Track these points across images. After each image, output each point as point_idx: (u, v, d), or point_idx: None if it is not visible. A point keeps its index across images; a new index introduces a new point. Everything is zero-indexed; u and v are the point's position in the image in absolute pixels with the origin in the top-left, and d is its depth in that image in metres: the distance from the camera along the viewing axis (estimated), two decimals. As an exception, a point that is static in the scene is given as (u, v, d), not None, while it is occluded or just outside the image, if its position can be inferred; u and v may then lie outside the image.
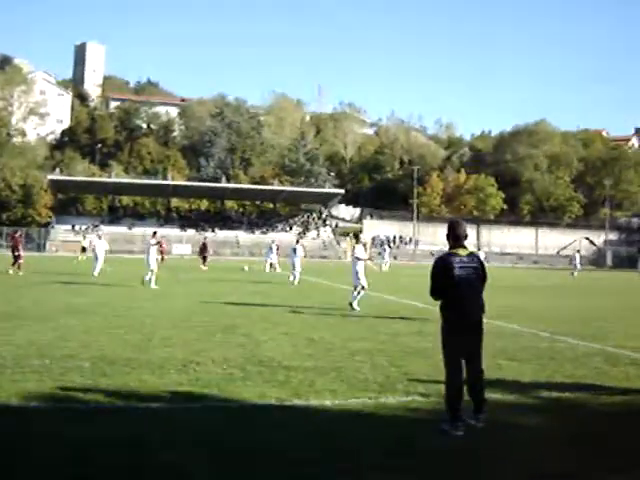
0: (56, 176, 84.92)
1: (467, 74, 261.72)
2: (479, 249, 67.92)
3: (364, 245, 20.28)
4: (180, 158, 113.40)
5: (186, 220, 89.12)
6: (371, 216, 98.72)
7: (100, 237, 33.30)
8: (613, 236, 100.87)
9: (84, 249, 56.61)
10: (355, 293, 18.68)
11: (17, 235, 33.34)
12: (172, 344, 11.63)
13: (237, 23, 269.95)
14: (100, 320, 14.73)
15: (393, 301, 18.94)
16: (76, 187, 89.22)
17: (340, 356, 10.91)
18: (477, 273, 7.05)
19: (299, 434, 6.64)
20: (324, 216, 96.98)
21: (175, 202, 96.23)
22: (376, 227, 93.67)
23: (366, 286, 18.68)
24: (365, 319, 16.59)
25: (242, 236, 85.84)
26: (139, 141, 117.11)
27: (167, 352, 10.80)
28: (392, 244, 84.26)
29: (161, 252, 25.66)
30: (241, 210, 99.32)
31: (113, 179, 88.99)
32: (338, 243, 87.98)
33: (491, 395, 7.41)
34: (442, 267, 7.05)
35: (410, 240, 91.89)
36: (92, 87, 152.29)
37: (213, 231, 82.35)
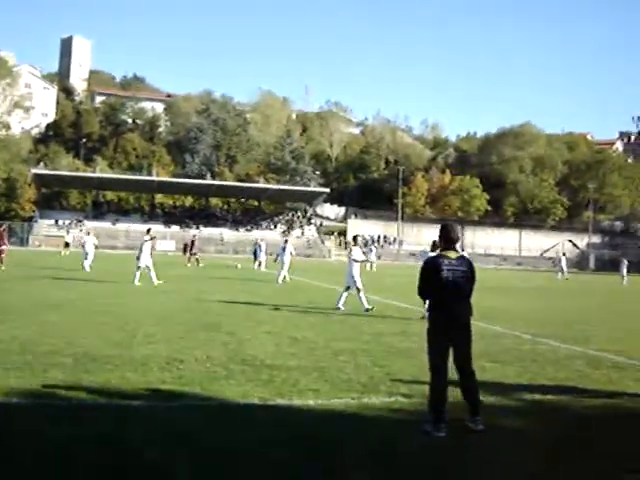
0: (40, 170, 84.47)
1: (453, 75, 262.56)
2: (462, 250, 68.11)
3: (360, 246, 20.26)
4: (165, 154, 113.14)
5: (170, 216, 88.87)
6: (356, 215, 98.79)
7: (89, 233, 33.45)
8: (596, 239, 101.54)
9: (67, 244, 56.44)
10: (345, 293, 18.65)
11: (1, 229, 33.17)
12: (155, 341, 11.59)
13: (224, 20, 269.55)
14: (83, 316, 14.65)
15: (377, 301, 18.95)
16: (60, 182, 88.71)
17: (323, 356, 10.91)
18: (466, 276, 7.04)
19: (282, 434, 6.63)
20: (309, 215, 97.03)
21: (159, 198, 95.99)
22: (361, 227, 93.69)
23: (361, 288, 18.66)
24: (349, 319, 16.58)
25: (226, 233, 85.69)
26: (124, 136, 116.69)
27: (150, 349, 10.76)
28: (377, 244, 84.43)
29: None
30: (226, 207, 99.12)
31: (97, 174, 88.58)
32: (323, 242, 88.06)
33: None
34: (430, 269, 7.06)
35: (394, 240, 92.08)
36: (78, 81, 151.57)
37: (198, 228, 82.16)
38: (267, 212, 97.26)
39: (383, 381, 9.07)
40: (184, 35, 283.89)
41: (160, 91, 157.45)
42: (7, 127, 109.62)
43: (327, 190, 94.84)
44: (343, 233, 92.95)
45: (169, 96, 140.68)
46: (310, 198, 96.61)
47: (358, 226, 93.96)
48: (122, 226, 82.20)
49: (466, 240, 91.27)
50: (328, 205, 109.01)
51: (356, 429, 6.95)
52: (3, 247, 31.33)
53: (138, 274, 24.64)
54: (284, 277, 29.27)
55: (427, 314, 7.64)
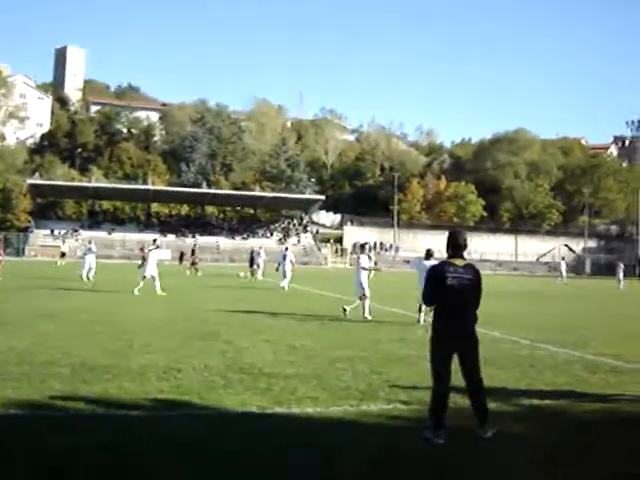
0: (35, 180, 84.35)
1: (448, 82, 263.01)
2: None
3: (368, 254, 20.25)
4: (161, 163, 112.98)
5: (166, 225, 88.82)
6: (351, 222, 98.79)
7: (90, 242, 33.63)
8: (592, 243, 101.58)
9: (63, 254, 56.33)
10: (358, 301, 18.61)
11: (-3, 240, 33.16)
12: (153, 351, 11.57)
13: (219, 29, 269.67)
14: (80, 326, 14.63)
15: (374, 308, 18.92)
16: (56, 192, 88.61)
17: (322, 363, 10.90)
18: (472, 284, 6.97)
19: (281, 442, 6.61)
20: (305, 222, 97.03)
21: (155, 207, 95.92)
22: (356, 233, 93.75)
23: (368, 295, 18.65)
24: (347, 326, 16.59)
25: (223, 242, 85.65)
26: (119, 146, 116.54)
27: (148, 359, 10.73)
28: (373, 251, 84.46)
29: (144, 259, 25.50)
30: (222, 216, 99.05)
31: (93, 184, 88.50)
32: (319, 249, 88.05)
33: (468, 401, 7.42)
34: (435, 275, 7.05)
35: (390, 247, 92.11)
36: (72, 91, 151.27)
37: (194, 236, 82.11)
38: (263, 220, 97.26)
39: (382, 388, 9.06)
40: (178, 44, 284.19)
41: (155, 100, 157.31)
42: (2, 137, 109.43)
43: (323, 197, 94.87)
44: (339, 240, 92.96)
45: (164, 105, 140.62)
46: (306, 206, 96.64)
47: (354, 233, 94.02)
48: (118, 235, 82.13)
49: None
50: (324, 212, 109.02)
51: (355, 436, 6.94)
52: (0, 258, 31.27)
53: (142, 284, 24.43)
54: (280, 284, 29.30)
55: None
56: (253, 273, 40.07)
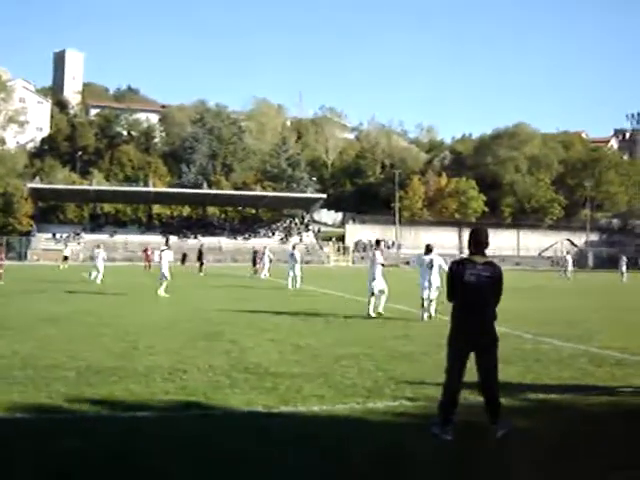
0: (36, 184, 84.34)
1: (447, 78, 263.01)
2: (461, 252, 68.17)
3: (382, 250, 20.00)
4: (161, 165, 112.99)
5: (168, 227, 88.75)
6: (353, 220, 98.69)
7: (99, 246, 33.83)
8: (594, 237, 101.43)
9: (66, 258, 56.36)
10: (374, 300, 18.53)
11: (-2, 244, 33.28)
12: (157, 352, 11.57)
13: (217, 29, 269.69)
14: (83, 329, 14.63)
15: (377, 305, 18.91)
16: (57, 195, 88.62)
17: (327, 362, 10.88)
18: (490, 282, 6.90)
19: (287, 441, 6.61)
20: (306, 221, 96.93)
21: (157, 209, 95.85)
22: (358, 231, 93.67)
23: (386, 291, 18.61)
24: (351, 324, 16.59)
25: (225, 242, 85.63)
26: (120, 148, 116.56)
27: (152, 360, 10.73)
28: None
29: (147, 260, 25.79)
30: (223, 216, 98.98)
31: (94, 187, 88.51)
32: (321, 248, 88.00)
33: (478, 397, 7.41)
34: (454, 272, 7.04)
35: (392, 244, 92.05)
36: (72, 94, 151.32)
37: (196, 237, 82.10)
38: (265, 220, 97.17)
39: (387, 385, 9.05)
40: (177, 46, 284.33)
41: (154, 102, 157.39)
42: (2, 142, 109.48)
43: (324, 196, 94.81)
44: (341, 239, 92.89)
45: (163, 107, 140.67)
46: (307, 204, 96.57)
47: (356, 231, 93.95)
48: (120, 238, 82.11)
49: (464, 242, 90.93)
50: (325, 211, 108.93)
51: (361, 434, 6.93)
52: (0, 262, 31.29)
53: (165, 284, 24.53)
54: (288, 284, 29.28)
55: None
56: (256, 272, 40.13)
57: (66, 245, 66.96)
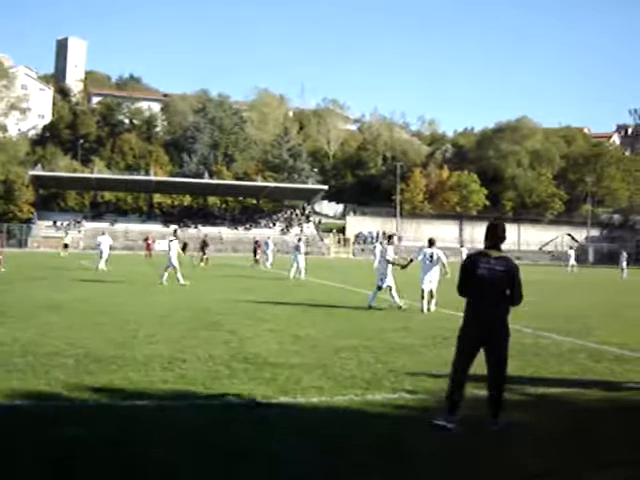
0: (38, 172, 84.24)
1: (450, 71, 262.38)
2: (462, 246, 68.15)
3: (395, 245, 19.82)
4: (163, 154, 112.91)
5: (169, 216, 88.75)
6: (354, 212, 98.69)
7: (104, 233, 34.12)
8: (595, 232, 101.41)
9: (66, 245, 56.40)
10: (393, 294, 18.48)
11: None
12: (157, 341, 11.57)
13: (219, 18, 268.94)
14: (83, 317, 14.63)
15: (378, 297, 18.90)
16: (58, 183, 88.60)
17: (326, 353, 10.89)
18: (504, 276, 6.87)
19: (285, 432, 6.62)
20: (307, 212, 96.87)
21: (158, 198, 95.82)
22: (359, 223, 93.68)
23: (393, 286, 18.56)
24: (350, 315, 16.60)
25: (225, 232, 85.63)
26: (121, 137, 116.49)
27: (152, 349, 10.74)
28: (375, 240, 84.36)
29: (148, 249, 25.84)
30: (224, 206, 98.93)
31: (95, 175, 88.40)
32: (321, 239, 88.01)
33: (477, 392, 7.42)
34: (468, 265, 7.04)
35: (393, 236, 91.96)
36: (74, 82, 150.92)
37: (196, 227, 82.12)
38: (265, 210, 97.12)
39: (386, 377, 9.05)
40: (180, 34, 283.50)
41: (156, 91, 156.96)
42: (4, 129, 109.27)
43: (325, 187, 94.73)
44: (342, 230, 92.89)
45: (166, 96, 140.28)
46: (308, 195, 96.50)
47: (357, 223, 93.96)
48: (121, 226, 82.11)
49: (465, 235, 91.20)
50: (326, 202, 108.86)
51: (360, 426, 6.94)
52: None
53: (180, 275, 24.67)
54: (290, 275, 29.30)
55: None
56: (257, 262, 40.15)
57: (66, 233, 67.02)
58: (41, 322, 13.51)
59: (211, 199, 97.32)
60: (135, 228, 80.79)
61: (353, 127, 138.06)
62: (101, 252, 32.95)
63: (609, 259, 79.18)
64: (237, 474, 5.51)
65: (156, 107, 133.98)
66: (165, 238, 74.54)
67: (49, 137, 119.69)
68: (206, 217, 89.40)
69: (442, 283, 18.14)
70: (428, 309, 17.64)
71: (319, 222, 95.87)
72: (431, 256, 17.86)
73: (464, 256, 53.02)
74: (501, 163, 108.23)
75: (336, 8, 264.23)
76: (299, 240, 31.56)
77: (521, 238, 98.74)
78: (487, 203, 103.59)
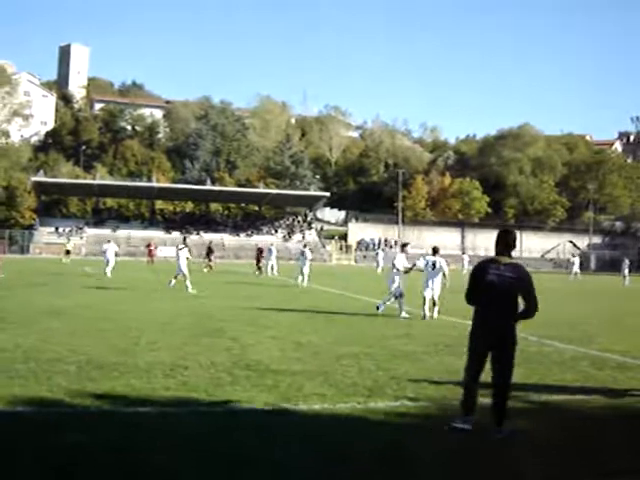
0: (40, 178, 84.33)
1: (452, 78, 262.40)
2: (464, 253, 68.16)
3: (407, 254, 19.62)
4: (165, 160, 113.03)
5: (171, 223, 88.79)
6: (356, 219, 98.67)
7: (109, 241, 34.36)
8: (597, 240, 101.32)
9: (68, 252, 56.38)
10: (399, 301, 18.46)
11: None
12: (159, 348, 11.57)
13: (222, 26, 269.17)
14: (85, 323, 14.63)
15: (375, 304, 18.90)
16: (60, 189, 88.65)
17: (328, 360, 10.87)
18: (513, 283, 6.85)
19: (287, 439, 6.61)
20: (309, 219, 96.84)
21: (160, 204, 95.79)
22: (361, 230, 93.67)
23: (393, 294, 18.53)
24: (352, 322, 16.59)
25: (227, 239, 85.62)
26: (124, 143, 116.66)
27: (154, 356, 10.73)
28: (384, 247, 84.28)
29: (150, 255, 26.00)
30: (226, 213, 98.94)
31: (97, 181, 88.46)
32: (323, 246, 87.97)
33: (481, 400, 7.40)
34: (477, 271, 7.09)
35: (395, 243, 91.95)
36: (76, 89, 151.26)
37: (198, 234, 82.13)
38: (267, 217, 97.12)
39: (388, 385, 9.04)
40: (182, 41, 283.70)
41: (159, 97, 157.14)
42: (6, 135, 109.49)
43: (327, 194, 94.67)
44: (344, 237, 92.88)
45: (168, 102, 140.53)
46: (310, 202, 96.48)
47: (359, 230, 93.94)
48: (123, 233, 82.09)
49: (467, 242, 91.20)
50: (328, 209, 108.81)
51: (362, 433, 6.93)
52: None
53: (188, 283, 24.83)
54: (297, 280, 29.31)
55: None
56: (260, 269, 40.10)
57: (69, 239, 67.05)
58: (43, 328, 13.51)
59: (213, 206, 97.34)
60: (137, 234, 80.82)
61: (355, 134, 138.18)
62: (107, 260, 33.12)
63: (611, 266, 79.05)
64: (239, 481, 5.50)
65: (158, 114, 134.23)
66: (166, 244, 74.97)
67: (51, 143, 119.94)
68: (208, 224, 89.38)
69: (444, 290, 18.17)
70: (430, 316, 17.65)
71: (321, 229, 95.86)
72: (434, 264, 17.88)
73: (466, 263, 53.39)
74: (503, 170, 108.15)
75: (338, 15, 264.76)
76: (304, 246, 31.53)
77: (523, 245, 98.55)
78: (489, 210, 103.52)
